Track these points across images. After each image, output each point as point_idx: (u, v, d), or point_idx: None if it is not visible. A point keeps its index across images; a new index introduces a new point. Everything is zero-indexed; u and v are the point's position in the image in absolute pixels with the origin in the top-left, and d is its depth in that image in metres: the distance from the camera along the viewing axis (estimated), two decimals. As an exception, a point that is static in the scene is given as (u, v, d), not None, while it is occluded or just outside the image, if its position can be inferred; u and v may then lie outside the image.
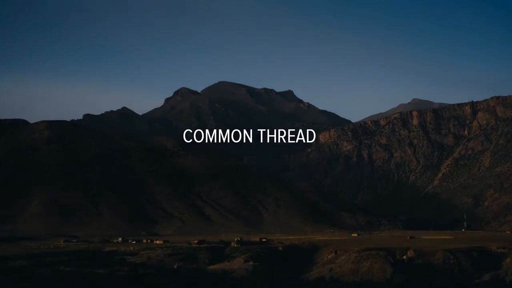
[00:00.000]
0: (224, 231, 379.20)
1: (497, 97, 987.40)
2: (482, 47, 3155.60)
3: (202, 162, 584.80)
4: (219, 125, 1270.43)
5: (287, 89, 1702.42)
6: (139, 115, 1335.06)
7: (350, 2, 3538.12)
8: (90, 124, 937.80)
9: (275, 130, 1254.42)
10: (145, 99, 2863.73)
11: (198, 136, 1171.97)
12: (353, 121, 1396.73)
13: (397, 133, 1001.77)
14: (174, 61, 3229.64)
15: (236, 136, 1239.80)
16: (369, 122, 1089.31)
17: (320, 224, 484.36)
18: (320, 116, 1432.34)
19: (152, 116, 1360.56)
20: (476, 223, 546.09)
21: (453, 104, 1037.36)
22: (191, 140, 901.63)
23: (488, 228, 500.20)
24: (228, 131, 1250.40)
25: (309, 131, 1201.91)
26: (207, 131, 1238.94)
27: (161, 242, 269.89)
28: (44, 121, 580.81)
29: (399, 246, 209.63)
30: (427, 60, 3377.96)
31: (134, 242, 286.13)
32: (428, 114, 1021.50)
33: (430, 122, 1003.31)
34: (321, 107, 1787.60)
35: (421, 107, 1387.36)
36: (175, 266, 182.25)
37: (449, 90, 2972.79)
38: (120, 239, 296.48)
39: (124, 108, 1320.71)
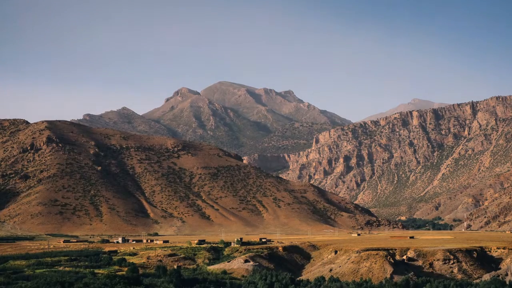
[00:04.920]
0: (224, 231, 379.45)
1: (497, 97, 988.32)
2: (482, 47, 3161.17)
3: (202, 162, 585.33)
4: (219, 125, 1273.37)
5: (287, 89, 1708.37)
6: (139, 115, 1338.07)
7: (350, 3, 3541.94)
8: (90, 124, 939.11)
9: (275, 130, 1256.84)
10: (145, 99, 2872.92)
11: (198, 136, 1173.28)
12: (353, 121, 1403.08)
13: (397, 133, 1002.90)
14: (174, 61, 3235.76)
15: (236, 136, 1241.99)
16: (369, 122, 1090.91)
17: (320, 224, 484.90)
18: (320, 116, 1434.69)
19: (152, 116, 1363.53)
20: (476, 223, 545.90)
21: (453, 104, 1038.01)
22: (191, 140, 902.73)
23: (488, 228, 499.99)
24: (227, 131, 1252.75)
25: (309, 131, 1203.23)
26: (207, 131, 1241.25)
27: (161, 242, 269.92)
28: (44, 121, 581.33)
29: (399, 246, 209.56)
30: (427, 60, 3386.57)
31: (134, 242, 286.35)
32: (428, 114, 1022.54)
33: (430, 122, 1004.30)
34: (321, 107, 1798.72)
35: (421, 107, 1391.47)
36: (175, 266, 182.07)
37: (449, 90, 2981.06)
38: (120, 239, 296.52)
39: (124, 108, 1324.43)
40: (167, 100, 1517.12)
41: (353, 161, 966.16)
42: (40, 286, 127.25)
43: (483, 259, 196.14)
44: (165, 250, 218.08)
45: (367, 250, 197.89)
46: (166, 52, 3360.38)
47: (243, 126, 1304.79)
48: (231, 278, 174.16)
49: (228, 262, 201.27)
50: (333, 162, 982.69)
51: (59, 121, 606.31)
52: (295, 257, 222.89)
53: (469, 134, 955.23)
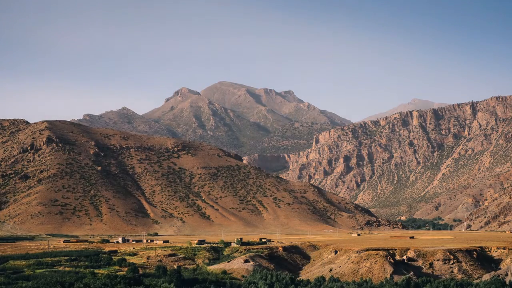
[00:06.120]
0: (224, 231, 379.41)
1: (497, 97, 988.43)
2: (482, 47, 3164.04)
3: (202, 162, 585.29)
4: (219, 125, 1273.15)
5: (287, 89, 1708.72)
6: (139, 115, 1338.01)
7: (350, 3, 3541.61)
8: (90, 124, 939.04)
9: (275, 130, 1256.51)
10: (145, 99, 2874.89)
11: (198, 136, 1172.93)
12: (353, 121, 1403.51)
13: (397, 133, 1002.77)
14: (174, 61, 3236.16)
15: (236, 136, 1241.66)
16: (369, 122, 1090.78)
17: (320, 224, 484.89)
18: (320, 116, 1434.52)
19: (152, 116, 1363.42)
20: (476, 223, 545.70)
21: (453, 104, 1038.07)
22: (191, 140, 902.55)
23: (488, 228, 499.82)
24: (227, 131, 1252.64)
25: (309, 131, 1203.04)
26: (207, 131, 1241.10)
27: (161, 242, 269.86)
28: (44, 121, 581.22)
29: (399, 246, 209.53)
30: (427, 60, 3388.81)
31: (134, 242, 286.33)
32: (428, 114, 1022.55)
33: (430, 122, 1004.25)
34: (321, 107, 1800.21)
35: (421, 107, 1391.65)
36: (175, 266, 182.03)
37: (449, 90, 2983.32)
38: (120, 239, 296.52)
39: (124, 108, 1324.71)
40: (167, 100, 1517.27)
41: (353, 161, 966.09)
42: (40, 286, 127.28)
43: (483, 259, 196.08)
44: (165, 250, 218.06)
45: (367, 250, 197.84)
46: (166, 52, 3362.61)
47: (243, 126, 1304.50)
48: (231, 278, 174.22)
49: (228, 262, 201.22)
50: (333, 162, 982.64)
51: (59, 121, 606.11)
52: (295, 257, 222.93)
53: (469, 134, 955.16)
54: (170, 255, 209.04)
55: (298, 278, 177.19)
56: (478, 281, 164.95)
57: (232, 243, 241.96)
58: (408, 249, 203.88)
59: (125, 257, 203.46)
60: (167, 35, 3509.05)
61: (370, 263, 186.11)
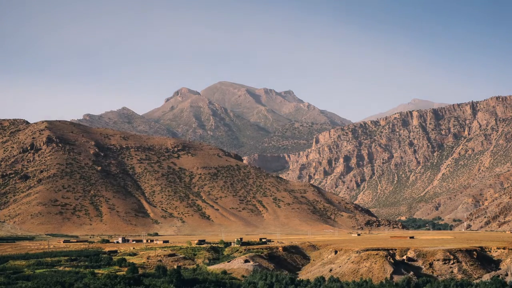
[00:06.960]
0: (224, 231, 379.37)
1: (497, 97, 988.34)
2: (482, 47, 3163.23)
3: (202, 162, 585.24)
4: (218, 125, 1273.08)
5: (287, 89, 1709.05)
6: (139, 115, 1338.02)
7: (350, 3, 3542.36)
8: (90, 124, 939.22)
9: (275, 130, 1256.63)
10: (145, 99, 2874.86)
11: (198, 136, 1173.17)
12: (353, 121, 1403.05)
13: (397, 133, 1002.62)
14: (174, 61, 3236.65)
15: (236, 136, 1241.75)
16: (369, 122, 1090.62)
17: (320, 224, 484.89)
18: (320, 116, 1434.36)
19: (152, 116, 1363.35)
20: (476, 223, 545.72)
21: (453, 104, 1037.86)
22: (191, 140, 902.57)
23: (488, 228, 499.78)
24: (227, 131, 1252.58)
25: (309, 131, 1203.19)
26: (207, 131, 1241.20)
27: (161, 242, 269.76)
28: (44, 121, 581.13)
29: (399, 246, 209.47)
30: (427, 60, 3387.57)
31: (134, 242, 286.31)
32: (428, 114, 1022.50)
33: (430, 122, 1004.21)
34: (321, 107, 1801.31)
35: (421, 107, 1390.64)
36: (175, 266, 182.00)
37: (449, 90, 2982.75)
38: (120, 239, 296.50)
39: (124, 108, 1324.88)
40: (167, 100, 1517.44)
41: (353, 161, 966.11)
42: (40, 286, 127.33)
43: (483, 259, 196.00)
44: (165, 250, 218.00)
45: (367, 250, 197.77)
46: (166, 52, 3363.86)
47: (243, 126, 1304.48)
48: (231, 278, 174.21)
49: (228, 262, 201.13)
50: (333, 162, 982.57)
51: (59, 121, 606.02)
52: (295, 257, 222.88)
53: (469, 134, 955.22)
54: (170, 255, 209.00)
55: (298, 278, 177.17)
56: (478, 281, 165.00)
57: (232, 243, 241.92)
58: (408, 249, 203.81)
59: (125, 257, 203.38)
60: (167, 35, 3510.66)
61: (370, 263, 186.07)
